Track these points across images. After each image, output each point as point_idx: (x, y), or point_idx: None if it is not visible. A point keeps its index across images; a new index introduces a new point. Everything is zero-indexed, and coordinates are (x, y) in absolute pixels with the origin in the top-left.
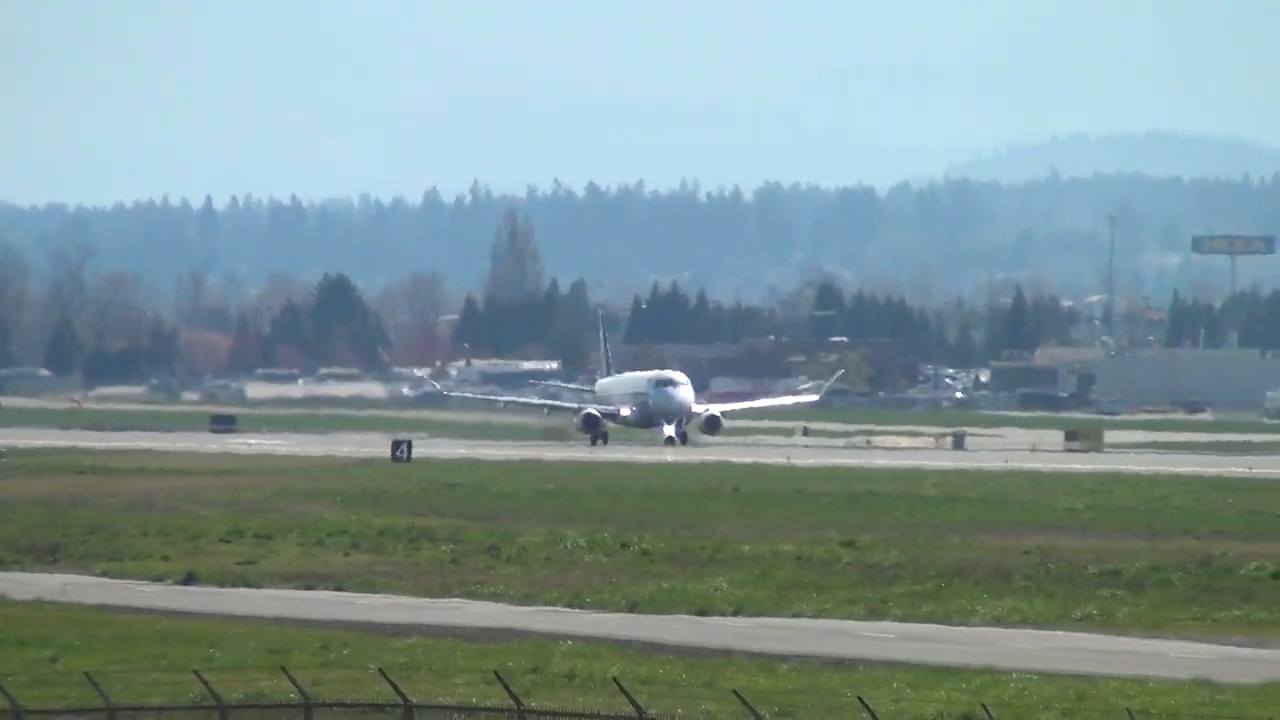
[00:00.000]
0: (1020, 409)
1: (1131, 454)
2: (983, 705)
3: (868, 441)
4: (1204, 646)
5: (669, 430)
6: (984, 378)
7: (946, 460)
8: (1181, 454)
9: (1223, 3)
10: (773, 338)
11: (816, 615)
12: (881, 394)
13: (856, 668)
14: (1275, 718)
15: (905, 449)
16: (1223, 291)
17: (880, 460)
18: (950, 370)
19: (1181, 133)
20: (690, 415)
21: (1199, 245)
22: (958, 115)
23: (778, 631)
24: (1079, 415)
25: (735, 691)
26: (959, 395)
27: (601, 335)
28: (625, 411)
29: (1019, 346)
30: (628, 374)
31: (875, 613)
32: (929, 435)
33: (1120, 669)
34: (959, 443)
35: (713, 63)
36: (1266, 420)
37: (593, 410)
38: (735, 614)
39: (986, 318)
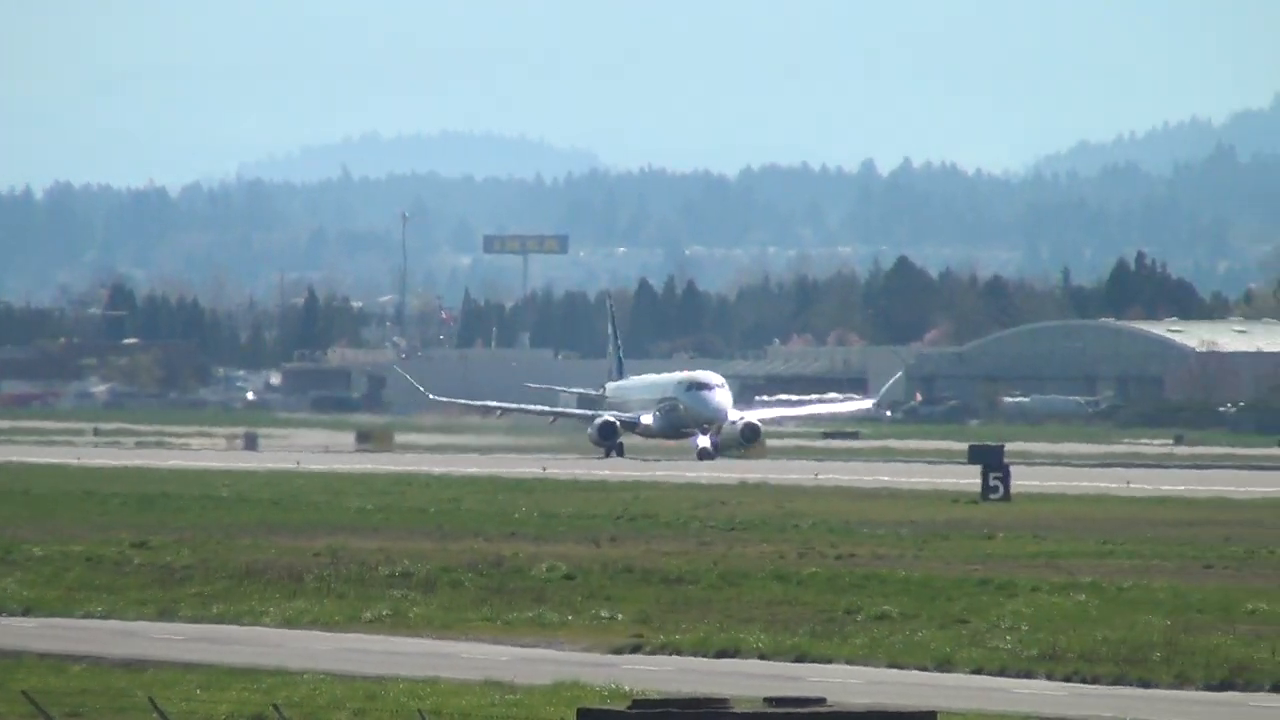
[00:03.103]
0: (313, 411)
1: (423, 455)
2: (274, 706)
3: (160, 442)
4: (496, 647)
5: (704, 441)
6: (276, 379)
7: (239, 461)
8: (474, 455)
9: (512, 2)
10: (64, 339)
11: (107, 616)
12: (173, 395)
13: (147, 668)
14: (566, 717)
15: (198, 450)
16: (515, 291)
17: (173, 461)
18: (242, 371)
19: (474, 132)
20: (724, 423)
21: (491, 245)
22: (250, 115)
23: (68, 632)
24: (370, 417)
25: (24, 692)
26: (250, 396)
27: (611, 330)
28: (647, 419)
29: (311, 347)
30: (648, 375)
31: (166, 613)
32: (221, 436)
33: (412, 670)
34: (251, 443)
35: (1, 61)
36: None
37: (610, 418)
38: (25, 614)
39: (279, 318)
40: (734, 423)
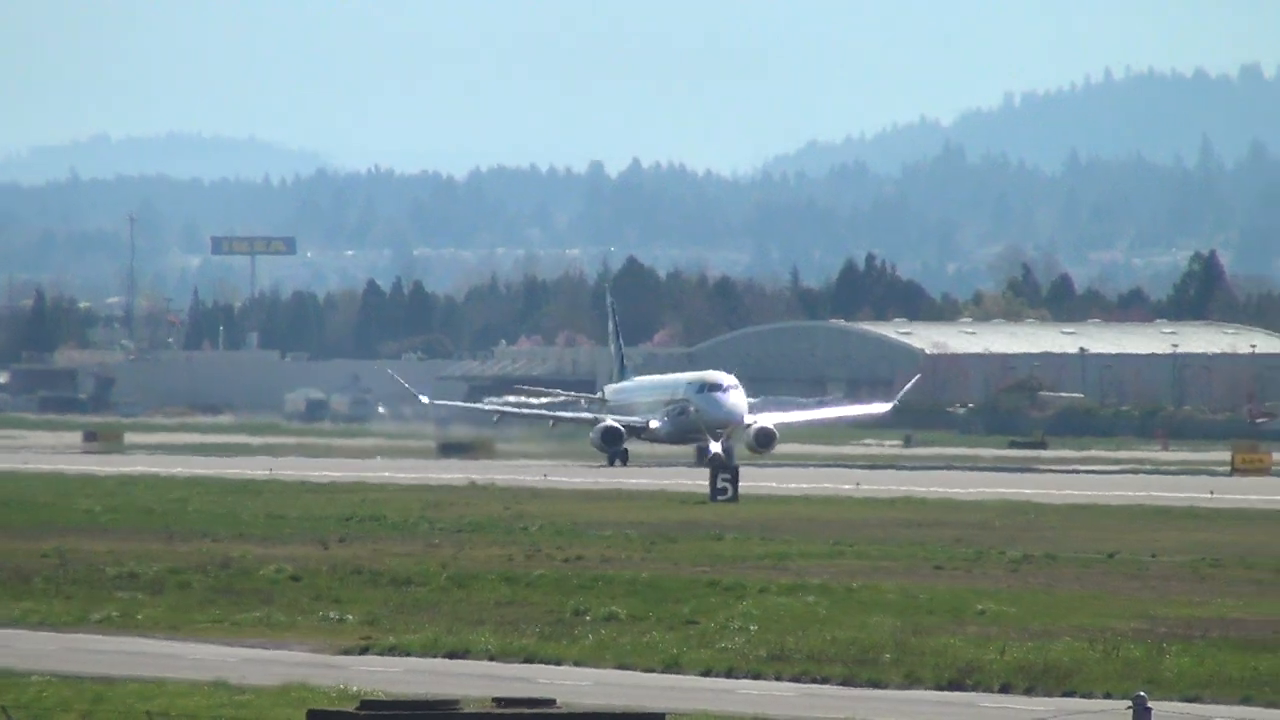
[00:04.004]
0: (40, 411)
1: (152, 455)
2: (2, 708)
3: None
4: (224, 649)
5: (715, 446)
6: (3, 380)
7: None
8: (203, 456)
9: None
10: None
11: None
12: None
13: None
14: (294, 718)
15: None
16: (243, 292)
17: None
18: None
19: (202, 134)
20: (739, 426)
21: (219, 246)
22: None
23: None
24: (99, 418)
25: None
26: None
27: (612, 328)
28: (654, 423)
29: (39, 348)
30: (654, 377)
31: None
32: None
33: (140, 671)
34: None
35: None
36: (285, 422)
37: (614, 422)
38: None
39: (7, 319)
40: (747, 427)
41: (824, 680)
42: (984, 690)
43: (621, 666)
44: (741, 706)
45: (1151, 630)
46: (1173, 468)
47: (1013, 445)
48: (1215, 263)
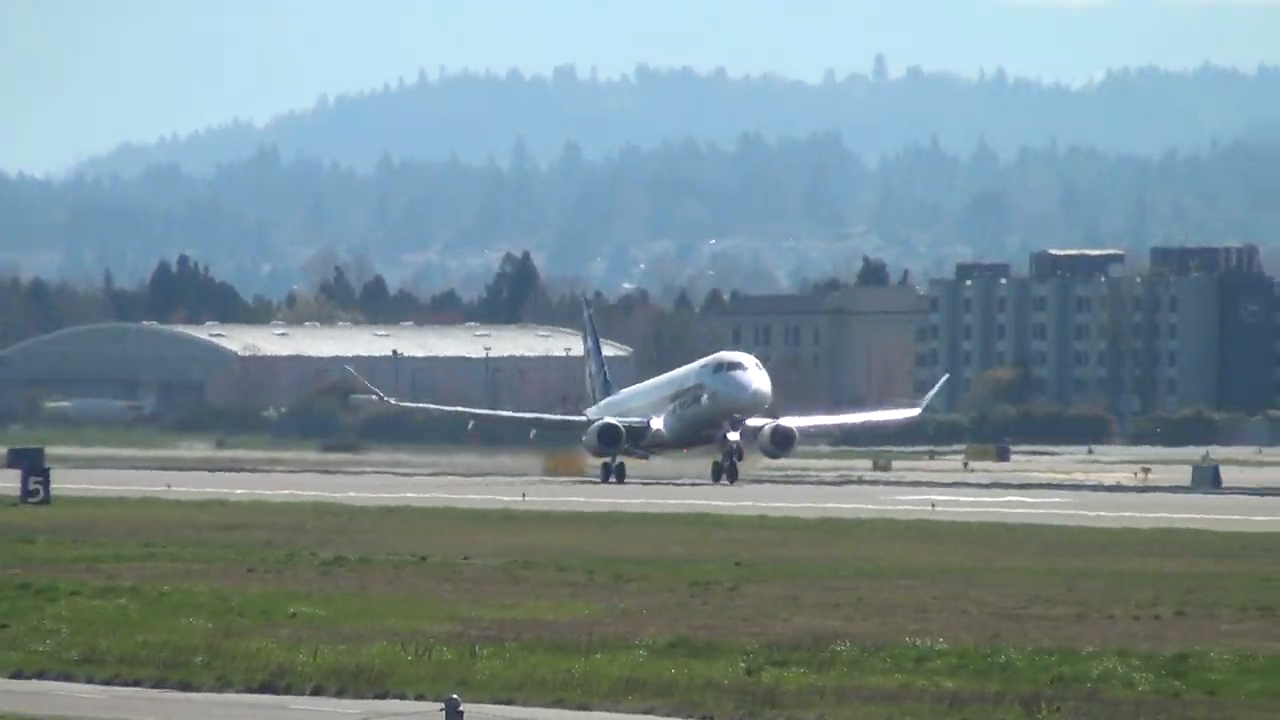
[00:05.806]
0: None
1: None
2: None
3: None
4: None
5: (735, 436)
6: None
7: None
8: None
9: None
10: None
11: None
12: None
13: None
14: None
15: None
16: None
17: None
18: None
19: None
20: (761, 412)
21: None
22: None
23: None
24: None
25: None
26: None
27: (592, 345)
28: (657, 423)
29: None
30: (649, 381)
31: None
32: None
33: None
34: None
35: None
36: None
37: (614, 421)
38: None
39: None
40: (759, 428)
41: (136, 683)
42: (296, 693)
43: None
44: (53, 709)
45: (464, 632)
46: (487, 470)
47: (327, 449)
48: (529, 264)
